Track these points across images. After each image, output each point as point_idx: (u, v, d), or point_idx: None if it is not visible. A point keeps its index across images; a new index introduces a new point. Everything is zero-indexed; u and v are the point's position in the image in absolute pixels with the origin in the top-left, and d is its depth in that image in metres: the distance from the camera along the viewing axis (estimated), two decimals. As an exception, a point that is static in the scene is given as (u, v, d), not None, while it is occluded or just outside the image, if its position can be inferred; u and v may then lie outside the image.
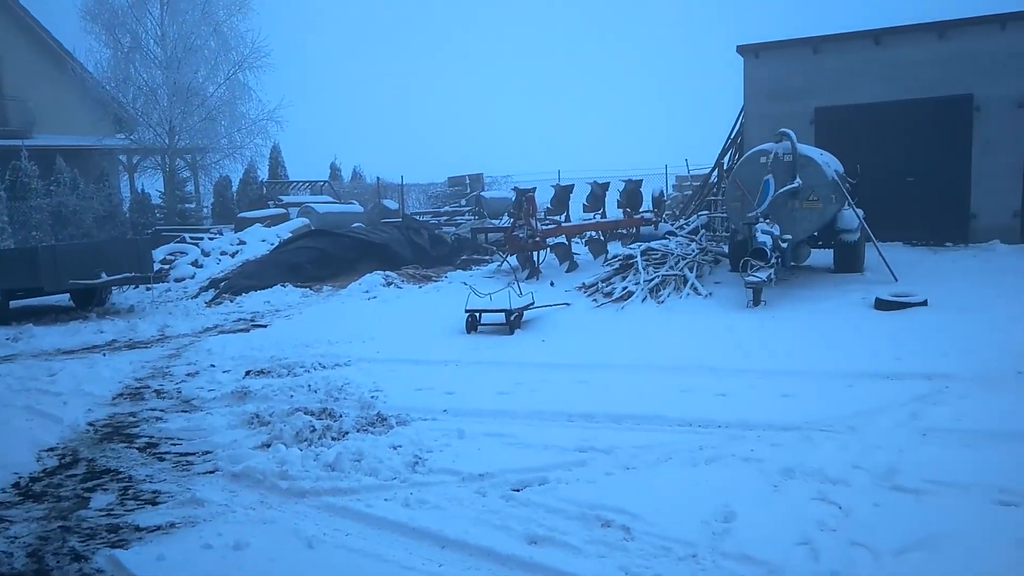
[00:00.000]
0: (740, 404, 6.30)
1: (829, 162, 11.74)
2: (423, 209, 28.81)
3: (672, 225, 15.52)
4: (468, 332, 9.96)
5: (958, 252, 13.64)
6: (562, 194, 14.76)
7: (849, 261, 11.86)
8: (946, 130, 14.41)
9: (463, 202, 28.12)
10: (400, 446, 5.67)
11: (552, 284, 12.73)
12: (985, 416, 5.68)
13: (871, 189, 14.02)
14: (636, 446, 5.48)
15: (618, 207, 15.74)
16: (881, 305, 9.44)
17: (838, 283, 11.22)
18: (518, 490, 4.88)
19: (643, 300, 11.04)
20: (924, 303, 9.34)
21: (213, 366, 8.93)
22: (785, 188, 10.92)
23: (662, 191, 16.31)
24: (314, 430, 6.05)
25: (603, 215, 15.40)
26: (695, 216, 16.41)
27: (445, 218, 24.30)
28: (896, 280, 11.00)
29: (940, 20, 14.17)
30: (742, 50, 16.25)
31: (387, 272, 14.26)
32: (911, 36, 14.55)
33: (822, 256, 12.69)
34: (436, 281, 14.30)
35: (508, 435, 5.89)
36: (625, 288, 11.46)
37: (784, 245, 10.80)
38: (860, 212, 11.90)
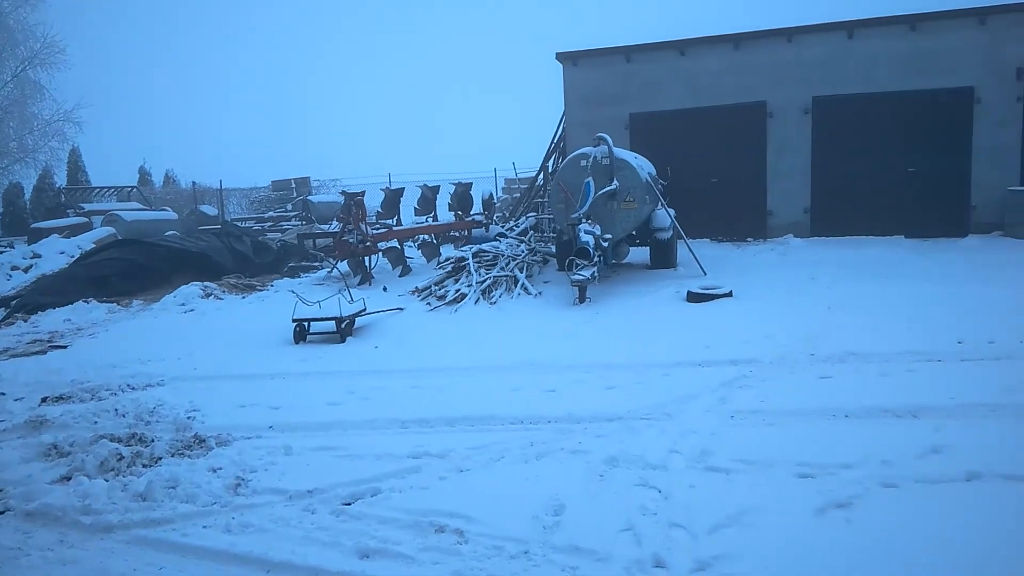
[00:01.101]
0: (568, 399, 6.50)
1: (643, 165, 12.43)
2: (245, 215, 27.46)
3: (502, 227, 15.79)
4: (296, 343, 9.58)
5: (758, 247, 14.91)
6: (393, 197, 14.59)
7: (664, 257, 12.62)
8: (744, 135, 15.71)
9: (289, 207, 27.11)
10: (220, 468, 5.32)
11: (385, 289, 12.54)
12: (784, 396, 6.23)
13: (682, 190, 15.01)
14: (470, 447, 5.50)
15: (449, 210, 15.81)
16: (692, 298, 10.11)
17: (654, 278, 11.90)
18: (349, 504, 4.73)
19: (476, 302, 11.13)
20: (729, 294, 10.11)
21: (3, 394, 7.97)
22: (604, 190, 11.42)
23: (491, 194, 16.55)
24: (122, 458, 5.54)
25: (435, 218, 15.39)
26: (524, 218, 16.79)
27: (270, 224, 23.31)
28: (705, 274, 11.83)
29: (735, 32, 15.44)
30: (561, 57, 16.85)
31: (206, 283, 13.41)
32: (711, 47, 15.73)
33: (640, 253, 13.42)
34: (261, 290, 13.64)
35: (339, 447, 5.71)
36: (458, 290, 11.50)
37: (605, 244, 11.30)
38: (672, 212, 12.69)
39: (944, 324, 8.03)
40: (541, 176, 18.29)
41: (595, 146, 11.89)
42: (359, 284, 12.97)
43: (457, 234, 15.86)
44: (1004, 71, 14.00)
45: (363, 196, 13.36)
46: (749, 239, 15.81)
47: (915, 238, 14.48)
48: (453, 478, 5.01)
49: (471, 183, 16.10)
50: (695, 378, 6.91)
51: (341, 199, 15.16)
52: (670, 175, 13.75)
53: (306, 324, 9.71)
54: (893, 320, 8.38)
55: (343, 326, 9.58)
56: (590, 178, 11.52)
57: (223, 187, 26.90)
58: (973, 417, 5.51)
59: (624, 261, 13.15)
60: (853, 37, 14.69)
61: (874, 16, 14.51)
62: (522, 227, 15.62)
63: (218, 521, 4.57)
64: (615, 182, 11.53)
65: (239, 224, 21.45)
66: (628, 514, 4.30)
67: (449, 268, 12.31)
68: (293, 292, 10.87)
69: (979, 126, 14.25)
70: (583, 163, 11.80)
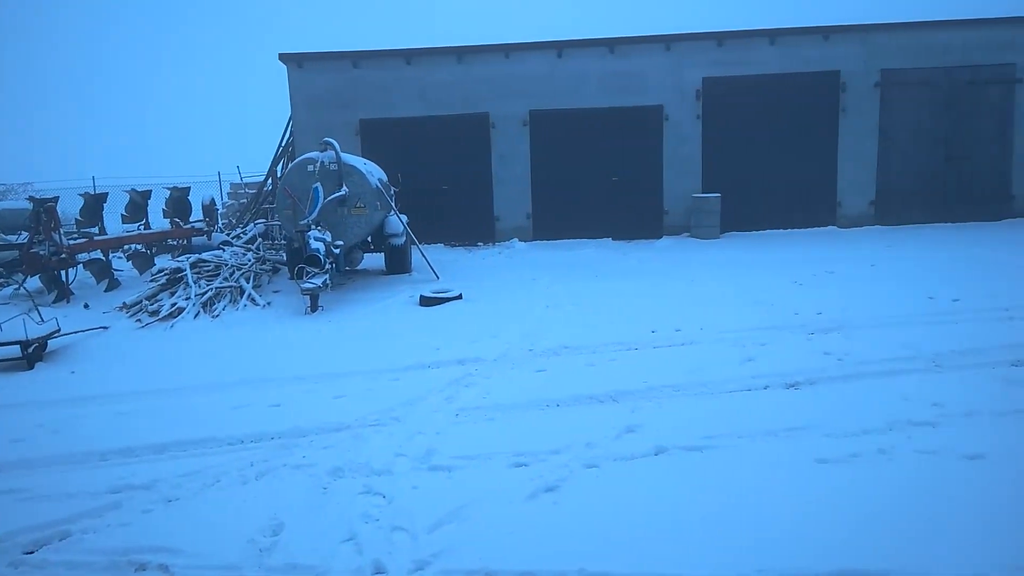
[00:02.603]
0: (294, 412, 6.28)
1: (373, 171, 12.42)
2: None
3: (228, 235, 14.87)
4: (-30, 373, 8.20)
5: (487, 250, 15.61)
6: (94, 203, 13.08)
7: (398, 263, 12.73)
8: (471, 144, 16.37)
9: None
10: None
11: (87, 306, 11.20)
12: (505, 391, 6.56)
13: (415, 196, 15.27)
14: (181, 475, 5.08)
15: (164, 217, 14.55)
16: (424, 302, 10.31)
17: (389, 284, 11.95)
18: (31, 552, 4.15)
19: (196, 316, 10.36)
20: (459, 297, 10.46)
21: None
22: (333, 196, 11.24)
23: (212, 199, 15.52)
24: None
25: (147, 226, 14.08)
26: (252, 225, 15.96)
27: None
28: (438, 278, 12.13)
29: (457, 46, 16.02)
30: (285, 59, 16.30)
31: None
32: (436, 58, 16.17)
33: (376, 260, 13.41)
34: (-75, 314, 11.48)
35: (21, 490, 4.98)
36: (175, 304, 10.62)
37: (337, 251, 11.11)
38: (404, 218, 12.84)
39: (641, 316, 9.00)
40: (270, 181, 17.53)
41: (322, 151, 11.65)
42: (55, 302, 11.45)
43: (175, 243, 14.65)
44: (686, 92, 16.06)
45: (55, 202, 11.81)
46: (479, 243, 16.49)
47: (620, 240, 16.09)
48: (160, 510, 4.59)
49: (188, 187, 14.97)
50: (424, 380, 7.04)
51: (30, 206, 13.27)
52: (401, 181, 13.90)
53: (-18, 351, 8.35)
54: (599, 314, 9.22)
55: (30, 351, 8.39)
56: (318, 183, 11.27)
57: None
58: (662, 398, 6.23)
59: (359, 268, 13.04)
60: (563, 56, 15.95)
61: (580, 38, 15.87)
62: (250, 234, 14.84)
63: None
64: (344, 188, 11.39)
65: None
66: (351, 524, 4.25)
67: (164, 280, 11.32)
68: (-34, 314, 9.31)
69: (668, 140, 16.21)
70: (310, 168, 11.50)
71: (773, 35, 15.77)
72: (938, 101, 15.97)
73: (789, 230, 16.25)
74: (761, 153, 16.22)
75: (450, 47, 16.07)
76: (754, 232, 16.20)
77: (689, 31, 15.87)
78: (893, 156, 16.13)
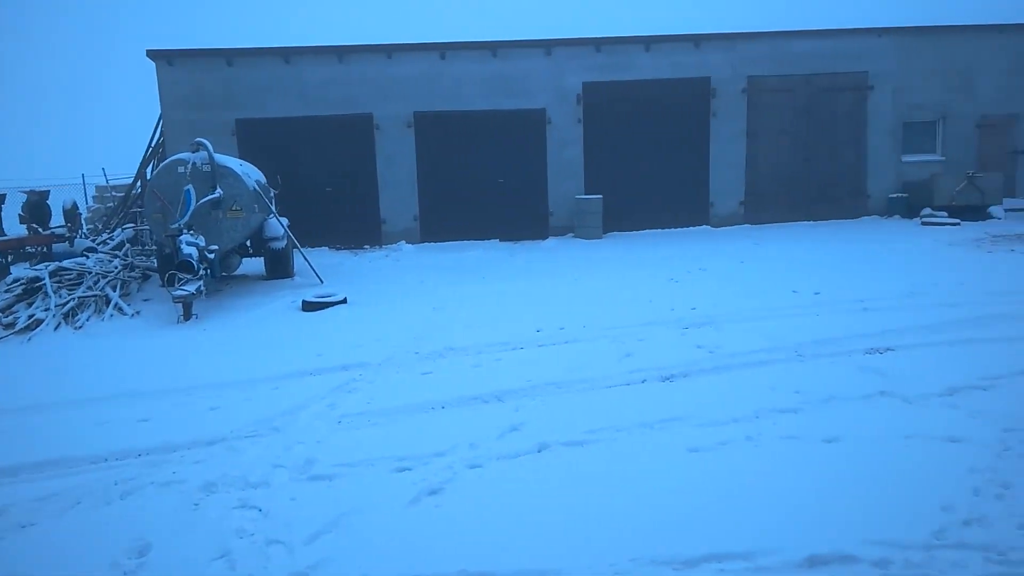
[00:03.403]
0: (164, 426, 5.97)
1: (250, 172, 12.00)
2: None
3: (93, 241, 13.97)
4: None
5: (374, 253, 15.40)
6: (-65, 209, 11.99)
7: (279, 267, 12.35)
8: (355, 145, 16.10)
9: None
10: None
11: (-72, 321, 10.24)
12: (389, 395, 6.48)
13: (298, 198, 14.87)
14: (37, 498, 4.74)
15: (21, 223, 13.53)
16: (307, 307, 10.05)
17: (270, 289, 11.58)
18: None
19: (56, 328, 9.69)
20: (344, 301, 10.26)
21: None
22: (206, 198, 10.78)
23: (74, 203, 14.55)
24: None
25: (0, 232, 13.03)
26: (120, 230, 15.08)
27: None
28: (322, 282, 11.85)
29: (338, 45, 15.72)
30: (153, 55, 15.50)
31: None
32: (315, 57, 15.80)
33: (255, 264, 12.95)
34: None
35: None
36: (32, 316, 9.89)
37: (212, 256, 10.67)
38: (285, 220, 12.47)
39: (527, 316, 9.12)
40: (139, 184, 16.61)
41: (194, 151, 11.16)
42: None
43: (34, 250, 13.63)
44: (568, 96, 16.40)
45: None
46: (366, 246, 16.25)
47: (508, 241, 16.25)
48: (10, 538, 4.26)
49: (47, 191, 13.98)
50: (306, 387, 6.86)
51: None
52: (281, 183, 13.49)
53: None
54: (486, 315, 9.27)
55: None
56: (190, 186, 10.79)
57: None
58: (545, 395, 6.33)
59: (237, 273, 12.56)
60: (446, 58, 15.94)
61: (462, 40, 15.90)
62: (117, 240, 14.01)
63: None
64: (219, 190, 10.95)
65: None
66: (224, 540, 4.09)
67: (19, 290, 10.51)
68: None
69: (551, 143, 16.51)
70: (181, 169, 10.99)
71: (648, 42, 16.35)
72: (799, 106, 17.01)
73: (666, 229, 16.89)
74: (640, 156, 16.78)
75: (331, 46, 15.74)
76: (634, 232, 16.73)
77: (568, 36, 16.21)
78: (760, 158, 17.07)
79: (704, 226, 17.11)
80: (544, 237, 16.44)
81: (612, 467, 4.83)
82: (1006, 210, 16.04)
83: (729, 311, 8.93)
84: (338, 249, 15.93)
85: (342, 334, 8.72)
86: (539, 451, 5.16)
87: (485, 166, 16.41)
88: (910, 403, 5.78)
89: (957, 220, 15.39)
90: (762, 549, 3.76)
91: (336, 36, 15.89)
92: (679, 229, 16.93)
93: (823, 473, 4.65)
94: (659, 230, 16.84)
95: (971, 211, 15.73)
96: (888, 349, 7.21)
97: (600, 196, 16.13)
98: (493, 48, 16.00)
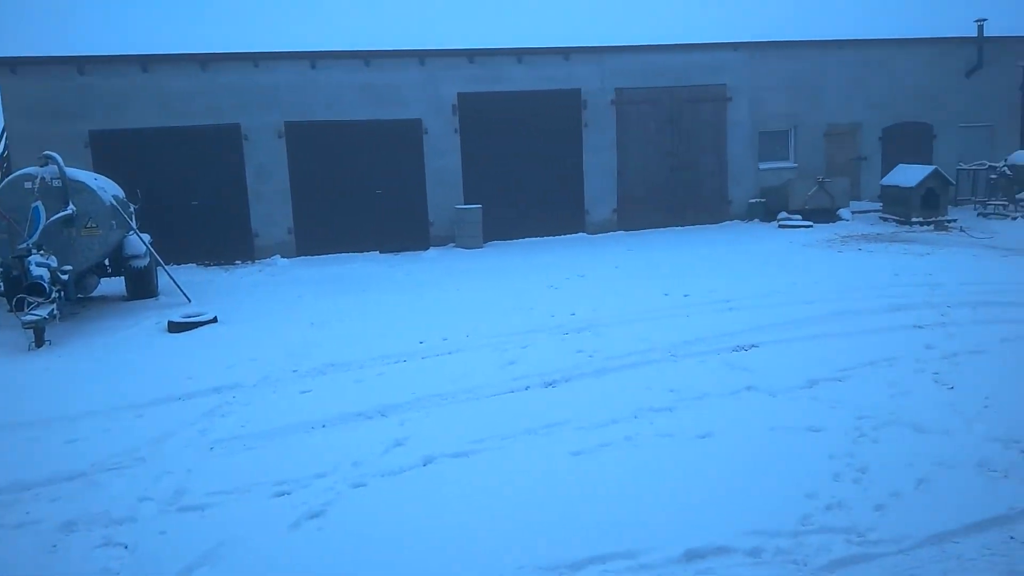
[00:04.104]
0: (14, 463, 5.46)
1: (106, 187, 11.26)
2: None
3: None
4: None
5: (247, 269, 14.81)
6: None
7: (142, 287, 11.64)
8: (222, 156, 15.44)
9: None
10: None
11: None
12: (265, 417, 6.23)
13: (161, 213, 14.10)
14: None
15: None
16: (174, 327, 9.52)
17: (132, 310, 10.90)
18: None
19: None
20: (214, 320, 9.80)
21: None
22: (58, 215, 10.03)
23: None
24: None
25: None
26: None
27: None
28: (190, 301, 11.26)
29: (201, 52, 15.04)
30: (-8, 61, 14.29)
31: None
32: (176, 65, 15.06)
33: (116, 284, 12.16)
34: None
35: None
36: None
37: (65, 277, 9.93)
38: (147, 237, 11.79)
39: (409, 328, 9.02)
40: (-21, 201, 15.22)
41: (43, 165, 10.36)
42: None
43: None
44: (443, 106, 16.41)
45: None
46: (238, 261, 15.60)
47: (388, 252, 16.05)
48: None
49: None
50: (174, 413, 6.48)
51: None
52: (141, 198, 12.73)
53: None
54: (367, 329, 9.10)
55: None
56: (39, 202, 10.00)
57: None
58: (430, 407, 6.28)
59: (95, 295, 11.76)
60: (316, 67, 15.59)
61: (332, 50, 15.58)
62: (-46, 263, 12.78)
63: None
64: (71, 206, 10.21)
65: None
66: (85, 583, 3.79)
67: None
68: None
69: (429, 153, 16.46)
70: (28, 185, 10.18)
71: (520, 54, 16.61)
72: (665, 117, 17.77)
73: (545, 238, 17.19)
74: (518, 165, 17.00)
75: (192, 54, 15.03)
76: (515, 240, 16.92)
77: (441, 47, 16.23)
78: (630, 167, 17.69)
79: (581, 233, 17.53)
80: (425, 247, 16.35)
81: (498, 476, 4.84)
82: (853, 212, 17.36)
83: (607, 316, 9.19)
84: (208, 265, 15.21)
85: (213, 355, 8.31)
86: (425, 465, 5.11)
87: (362, 177, 16.14)
88: (774, 396, 6.13)
89: (810, 222, 16.52)
90: (643, 547, 3.87)
91: (199, 44, 15.19)
92: (557, 237, 17.27)
93: (698, 468, 4.85)
94: (538, 238, 17.11)
95: (823, 214, 16.92)
96: (753, 346, 7.63)
97: (480, 206, 16.21)
98: (365, 57, 15.78)
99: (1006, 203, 16.97)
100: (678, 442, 5.30)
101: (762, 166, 18.47)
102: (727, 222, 18.15)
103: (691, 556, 3.79)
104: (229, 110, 15.33)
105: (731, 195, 18.30)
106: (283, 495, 4.73)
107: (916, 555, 3.77)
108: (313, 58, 15.51)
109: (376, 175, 16.23)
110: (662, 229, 17.71)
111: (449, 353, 7.98)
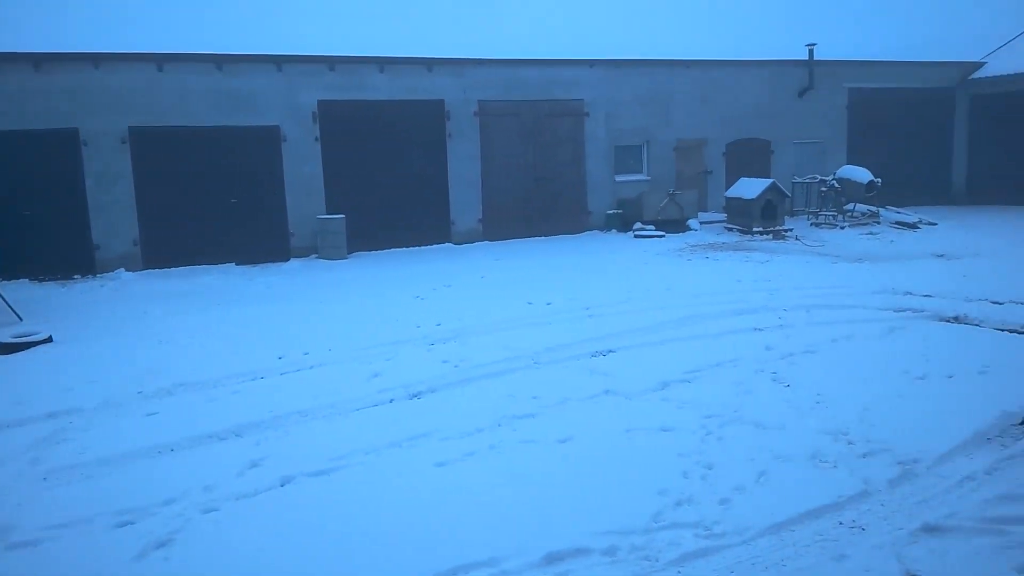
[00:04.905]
0: None
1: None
2: None
3: None
4: None
5: (87, 284, 13.78)
6: None
7: (-37, 305, 10.56)
8: (56, 163, 14.30)
9: None
10: None
11: None
12: (107, 443, 5.81)
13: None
14: None
15: None
16: (1, 349, 8.71)
17: (-49, 332, 9.85)
18: None
19: None
20: (49, 339, 9.05)
21: None
22: None
23: None
24: None
25: None
26: None
27: None
28: (21, 319, 10.33)
29: (32, 52, 13.89)
30: None
31: None
32: (10, 64, 13.82)
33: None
34: None
35: None
36: None
37: None
38: (-32, 250, 10.72)
39: (267, 342, 8.70)
40: None
41: None
42: None
43: None
44: (303, 113, 15.99)
45: None
46: (77, 276, 14.47)
47: (245, 264, 15.41)
48: None
49: None
50: (1, 442, 5.92)
51: None
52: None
53: None
54: (221, 346, 8.69)
55: None
56: None
57: None
58: (289, 425, 6.08)
59: (-96, 315, 10.53)
60: (164, 70, 14.77)
61: (182, 52, 14.83)
62: None
63: None
64: None
65: None
66: None
67: None
68: None
69: (288, 161, 15.97)
70: None
71: (382, 63, 16.47)
72: (526, 130, 18.16)
73: (411, 248, 17.09)
74: (383, 175, 16.82)
75: (24, 53, 13.82)
76: (380, 251, 16.71)
77: (301, 53, 15.82)
78: (494, 178, 17.94)
79: (447, 243, 17.56)
80: (286, 259, 15.83)
81: (360, 492, 4.76)
82: (701, 222, 18.42)
83: (473, 325, 9.26)
84: (42, 281, 14.01)
85: (47, 377, 7.67)
86: (283, 485, 4.94)
87: (216, 185, 15.42)
88: (630, 399, 6.39)
89: (663, 232, 17.38)
90: (504, 554, 3.93)
91: (33, 43, 14.01)
92: (424, 247, 17.22)
93: (558, 472, 4.98)
94: (404, 248, 16.99)
95: (674, 224, 17.84)
96: (611, 351, 7.93)
97: (343, 216, 15.89)
98: (218, 61, 15.11)
99: (835, 214, 18.56)
100: (540, 448, 5.42)
101: (618, 178, 19.24)
102: (587, 232, 18.75)
103: (551, 559, 3.88)
104: (66, 113, 14.23)
105: (590, 206, 18.93)
106: (126, 525, 4.43)
107: (757, 545, 4.04)
108: (160, 60, 14.68)
109: (232, 184, 15.57)
110: (526, 239, 18.06)
111: (310, 368, 7.77)
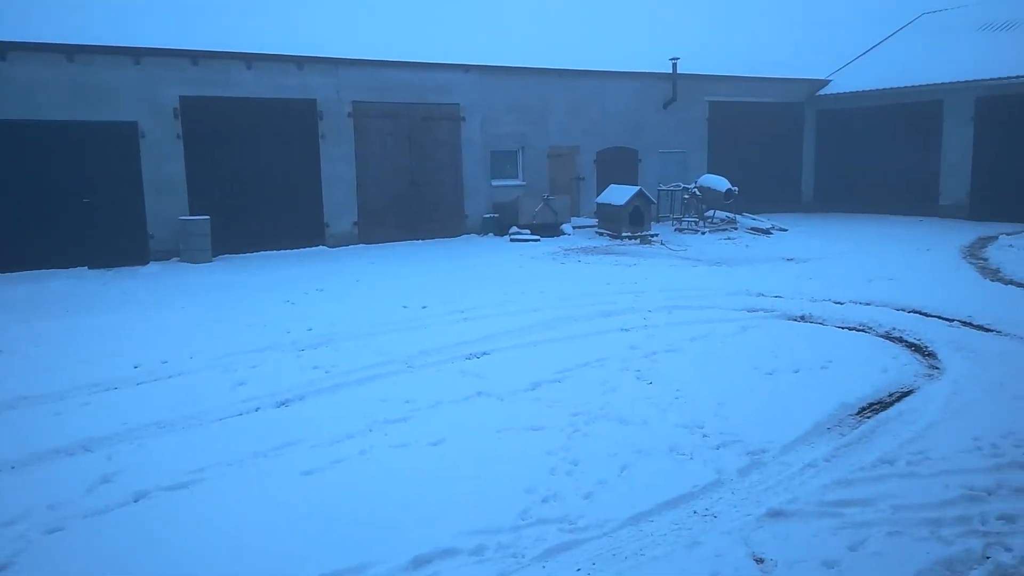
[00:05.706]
0: None
1: None
2: None
3: None
4: None
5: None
6: None
7: None
8: None
9: None
10: None
11: None
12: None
13: None
14: None
15: None
16: None
17: None
18: None
19: None
20: None
21: None
22: None
23: None
24: None
25: None
26: None
27: None
28: None
29: None
30: None
31: None
32: None
33: None
34: None
35: None
36: None
37: None
38: None
39: (122, 352, 8.21)
40: None
41: None
42: None
43: None
44: (163, 109, 15.19)
45: None
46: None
47: (99, 268, 14.45)
48: None
49: None
50: None
51: None
52: None
53: None
54: (66, 357, 8.10)
55: None
56: None
57: None
58: (144, 438, 5.77)
59: None
60: (7, 59, 13.64)
61: (25, 41, 13.74)
62: None
63: None
64: None
65: None
66: None
67: None
68: None
69: (147, 159, 15.12)
70: None
71: (249, 59, 15.89)
72: (402, 133, 18.04)
73: (282, 251, 16.58)
74: (251, 175, 16.22)
75: None
76: (248, 254, 16.11)
77: (161, 46, 15.01)
78: (370, 180, 17.70)
79: (321, 246, 17.17)
80: (145, 262, 14.96)
81: (220, 506, 4.59)
82: (574, 227, 18.93)
83: (345, 329, 9.10)
84: None
85: None
86: (136, 501, 4.69)
87: (66, 183, 14.37)
88: (502, 400, 6.49)
89: (538, 237, 17.73)
90: (372, 559, 3.90)
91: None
92: (296, 250, 16.74)
93: (430, 475, 4.99)
94: (275, 252, 16.46)
95: (548, 229, 18.24)
96: (484, 353, 8.02)
97: (207, 217, 15.20)
98: (68, 52, 14.10)
99: (697, 220, 19.56)
100: (412, 451, 5.41)
101: (494, 183, 19.47)
102: (464, 236, 18.85)
103: (419, 562, 3.89)
104: None
105: (467, 210, 19.04)
106: (-46, 553, 4.07)
107: (618, 536, 4.21)
108: (2, 48, 13.54)
109: (84, 182, 14.56)
110: (403, 242, 17.94)
111: (169, 377, 7.40)
